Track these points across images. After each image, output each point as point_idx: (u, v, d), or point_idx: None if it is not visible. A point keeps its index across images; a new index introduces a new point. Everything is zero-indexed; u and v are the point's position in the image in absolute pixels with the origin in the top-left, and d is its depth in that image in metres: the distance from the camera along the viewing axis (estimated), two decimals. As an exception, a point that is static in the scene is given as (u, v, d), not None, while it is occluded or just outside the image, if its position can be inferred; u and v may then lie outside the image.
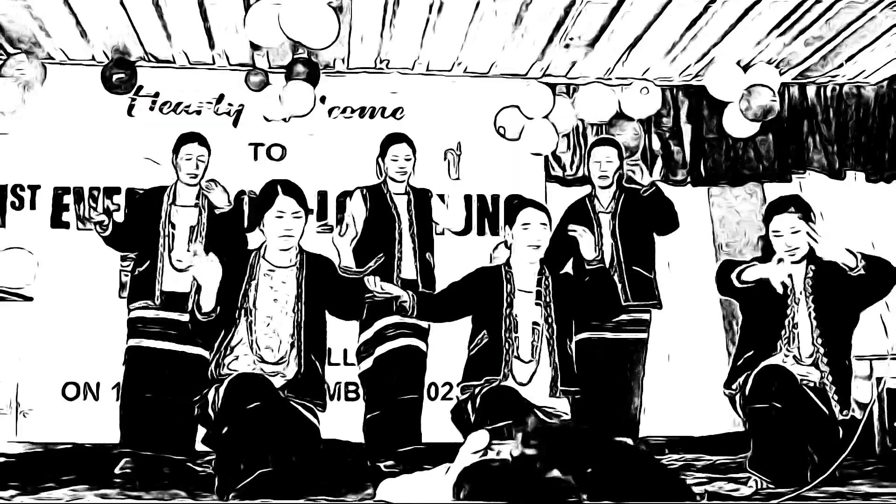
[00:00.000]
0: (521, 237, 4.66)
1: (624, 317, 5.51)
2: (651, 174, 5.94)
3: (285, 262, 4.40)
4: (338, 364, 6.39)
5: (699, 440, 6.16)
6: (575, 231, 4.90)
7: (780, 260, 4.58)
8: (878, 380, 5.86)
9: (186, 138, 5.54)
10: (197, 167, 5.50)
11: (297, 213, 4.39)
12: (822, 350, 4.54)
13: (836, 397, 4.50)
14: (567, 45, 6.33)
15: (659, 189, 5.79)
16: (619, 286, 5.50)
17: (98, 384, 6.31)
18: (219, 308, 4.17)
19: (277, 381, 4.21)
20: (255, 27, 5.27)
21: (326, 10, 5.10)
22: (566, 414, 4.57)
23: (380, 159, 5.70)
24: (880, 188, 6.80)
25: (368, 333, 5.44)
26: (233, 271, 4.32)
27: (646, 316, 5.72)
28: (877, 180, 6.86)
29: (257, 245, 4.48)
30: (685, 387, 6.42)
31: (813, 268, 4.64)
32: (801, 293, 4.66)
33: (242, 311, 4.31)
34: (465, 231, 6.72)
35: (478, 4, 5.81)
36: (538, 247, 4.63)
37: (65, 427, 6.18)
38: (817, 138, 6.91)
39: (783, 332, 4.58)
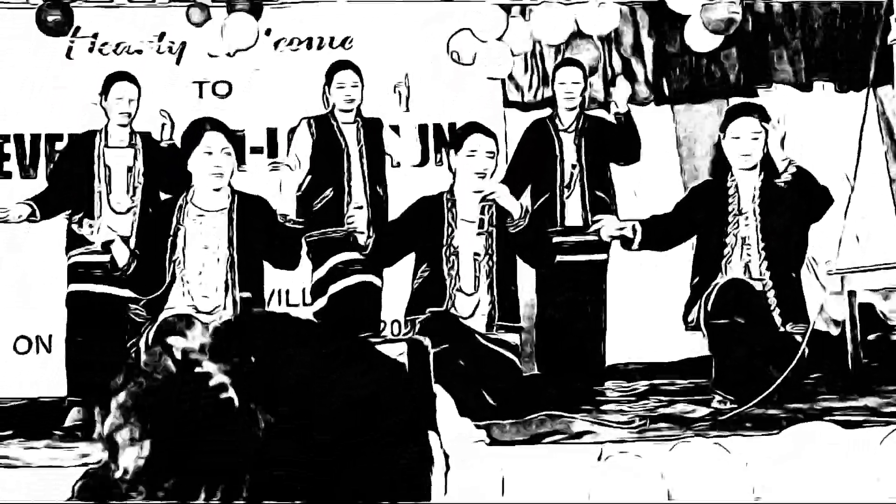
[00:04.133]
0: (466, 165, 4.49)
1: (581, 238, 5.34)
2: (619, 99, 5.79)
3: (216, 205, 4.21)
4: (297, 305, 6.20)
5: (667, 366, 5.98)
6: (494, 193, 4.67)
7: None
8: (850, 294, 5.67)
9: (115, 77, 5.34)
10: (129, 105, 5.29)
11: (226, 148, 4.19)
12: (764, 263, 4.38)
13: (777, 310, 4.34)
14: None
15: (631, 119, 5.63)
16: (581, 210, 5.36)
17: (50, 337, 6.13)
18: (134, 261, 3.99)
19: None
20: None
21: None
22: (517, 344, 4.43)
23: (326, 88, 5.49)
24: (850, 97, 6.58)
25: (322, 271, 5.27)
26: (158, 221, 4.15)
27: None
28: (846, 90, 6.64)
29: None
30: (653, 314, 6.24)
31: (762, 178, 4.46)
32: (750, 206, 4.48)
33: (173, 263, 4.14)
34: (423, 163, 6.50)
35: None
36: (483, 176, 4.45)
37: (17, 382, 6.02)
38: (783, 50, 6.67)
39: (727, 250, 4.41)
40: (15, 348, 6.14)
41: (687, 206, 4.52)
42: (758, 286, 4.45)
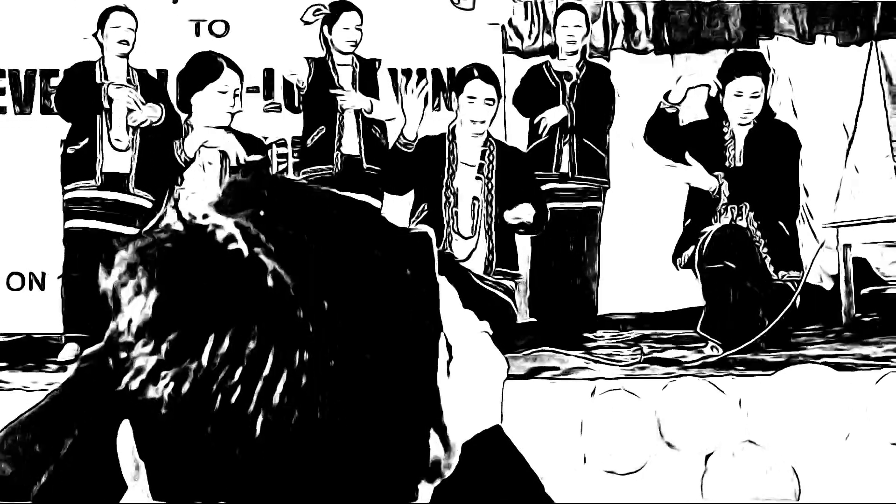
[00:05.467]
0: (466, 110, 4.46)
1: (573, 185, 5.33)
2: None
3: (213, 142, 4.18)
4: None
5: (662, 315, 6.00)
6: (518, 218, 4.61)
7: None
8: (845, 247, 5.68)
9: (112, 9, 5.28)
10: (126, 34, 5.24)
11: (238, 90, 4.17)
12: (752, 212, 4.38)
13: (768, 258, 4.35)
14: None
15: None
16: (567, 160, 5.36)
17: (43, 274, 6.12)
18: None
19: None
20: None
21: None
22: (512, 289, 4.42)
23: (324, 28, 5.44)
24: (851, 51, 6.54)
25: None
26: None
27: (595, 186, 5.53)
28: (847, 44, 6.60)
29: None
30: (647, 262, 6.24)
31: (751, 127, 4.45)
32: (739, 154, 4.47)
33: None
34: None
35: None
36: (482, 122, 4.44)
37: (10, 318, 6.02)
38: (786, 2, 6.62)
39: (722, 197, 4.41)
40: (8, 284, 6.13)
41: (686, 136, 4.51)
42: (748, 233, 4.45)
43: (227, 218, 0.67)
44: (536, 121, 5.35)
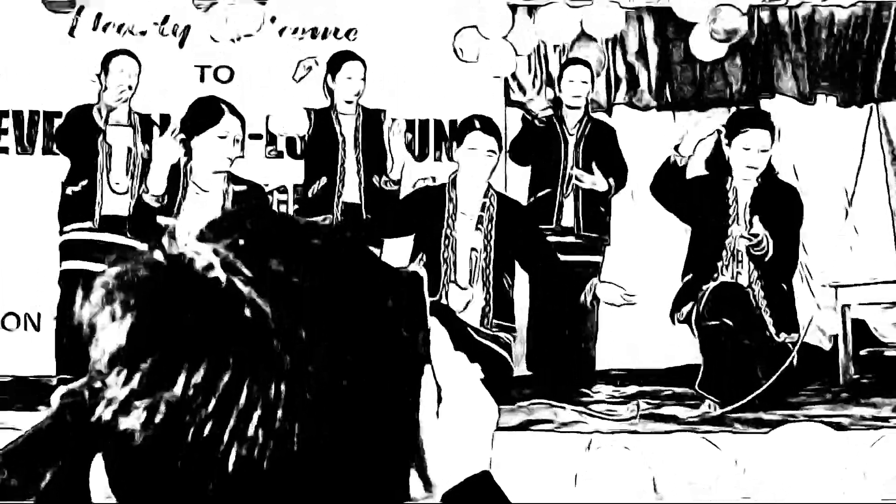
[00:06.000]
0: (466, 160, 4.47)
1: (574, 239, 5.32)
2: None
3: (213, 186, 4.17)
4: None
5: (660, 372, 5.95)
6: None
7: None
8: (844, 308, 5.65)
9: (116, 53, 5.31)
10: (129, 80, 5.27)
11: (237, 136, 4.17)
12: (757, 272, 4.36)
13: (771, 319, 4.33)
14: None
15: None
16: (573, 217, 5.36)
17: (39, 315, 6.09)
18: (166, 197, 3.94)
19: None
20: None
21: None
22: (510, 342, 4.40)
23: (328, 77, 5.46)
24: (852, 112, 6.56)
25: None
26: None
27: (595, 241, 5.53)
28: (848, 104, 6.62)
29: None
30: (645, 318, 6.22)
31: (756, 185, 4.45)
32: (744, 212, 4.47)
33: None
34: (422, 157, 6.48)
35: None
36: (482, 172, 4.45)
37: (5, 359, 5.98)
38: (788, 62, 6.66)
39: (724, 254, 4.40)
40: (3, 325, 6.10)
41: (690, 191, 4.51)
42: (750, 292, 4.44)
43: (206, 246, 0.66)
44: (576, 177, 5.30)
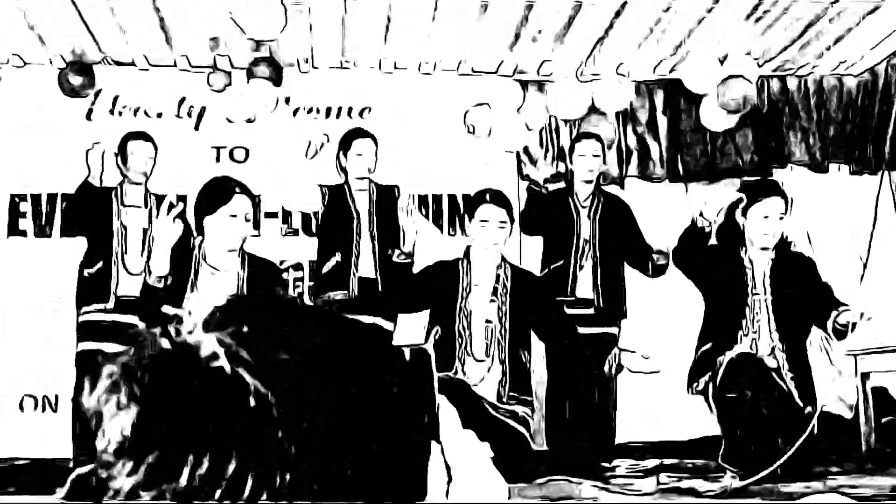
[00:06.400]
0: (479, 234, 4.49)
1: (592, 311, 5.31)
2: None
3: (227, 265, 4.19)
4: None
5: (680, 444, 5.90)
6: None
7: None
8: (864, 376, 5.60)
9: (133, 136, 5.37)
10: (145, 165, 5.32)
11: (249, 214, 4.20)
12: (780, 344, 4.34)
13: (796, 391, 4.29)
14: (534, 39, 6.16)
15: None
16: (592, 289, 5.35)
17: (56, 397, 6.10)
18: (171, 278, 3.95)
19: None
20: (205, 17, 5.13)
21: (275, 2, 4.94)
22: (528, 416, 4.37)
23: (341, 155, 5.51)
24: (864, 180, 6.58)
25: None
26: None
27: (612, 312, 5.51)
28: (861, 172, 6.64)
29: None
30: (664, 390, 6.18)
31: (773, 256, 4.44)
32: (762, 283, 4.46)
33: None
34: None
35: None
36: (495, 244, 4.47)
37: (22, 442, 5.97)
38: (798, 131, 6.70)
39: (744, 323, 4.38)
40: (21, 407, 6.10)
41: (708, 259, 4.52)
42: (769, 362, 4.41)
43: (210, 335, 0.67)
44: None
